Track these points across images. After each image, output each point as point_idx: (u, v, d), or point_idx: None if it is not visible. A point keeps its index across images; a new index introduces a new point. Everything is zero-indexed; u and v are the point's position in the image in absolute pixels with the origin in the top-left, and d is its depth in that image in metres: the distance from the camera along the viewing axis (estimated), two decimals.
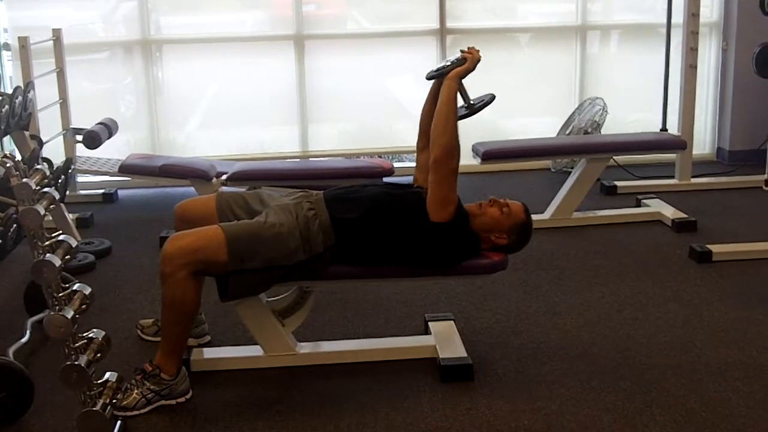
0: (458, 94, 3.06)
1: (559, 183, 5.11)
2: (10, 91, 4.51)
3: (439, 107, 2.97)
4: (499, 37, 6.33)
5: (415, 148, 6.42)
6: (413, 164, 6.38)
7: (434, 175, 2.91)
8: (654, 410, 2.80)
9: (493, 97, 3.17)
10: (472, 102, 3.16)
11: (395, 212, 2.96)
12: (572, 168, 5.32)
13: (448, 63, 3.08)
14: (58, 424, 2.77)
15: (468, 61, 3.04)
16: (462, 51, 3.10)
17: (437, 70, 3.12)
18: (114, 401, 2.64)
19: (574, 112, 6.10)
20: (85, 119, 5.44)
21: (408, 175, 5.70)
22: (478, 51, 3.08)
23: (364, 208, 2.96)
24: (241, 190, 3.22)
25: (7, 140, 5.15)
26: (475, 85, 6.08)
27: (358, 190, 3.07)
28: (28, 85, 4.69)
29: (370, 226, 2.93)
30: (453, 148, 2.91)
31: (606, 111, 5.95)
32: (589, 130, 5.86)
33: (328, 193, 3.05)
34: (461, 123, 6.18)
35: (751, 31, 6.00)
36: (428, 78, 3.15)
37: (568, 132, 5.98)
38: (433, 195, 2.92)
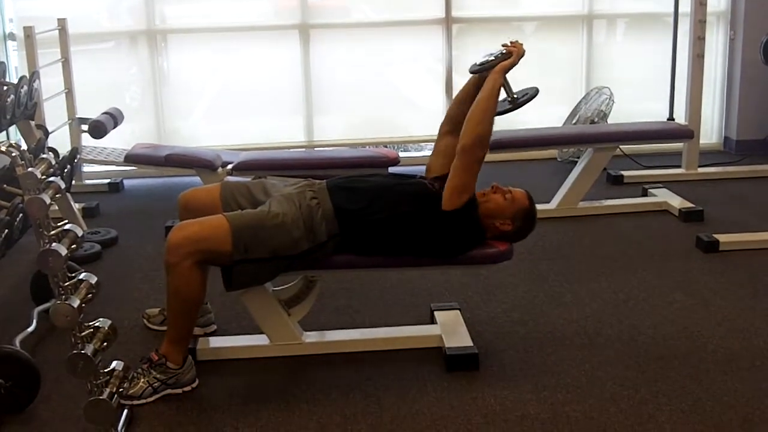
0: (501, 88, 3.04)
1: (565, 173, 5.10)
2: (15, 80, 4.50)
3: (480, 98, 2.95)
4: (504, 25, 6.32)
5: (420, 138, 6.44)
6: (418, 154, 6.47)
7: (459, 161, 2.91)
8: (660, 400, 2.80)
9: (537, 91, 3.15)
10: (515, 96, 3.14)
11: (398, 201, 2.95)
12: (579, 158, 5.31)
13: (492, 57, 3.06)
14: (65, 412, 2.77)
15: (513, 55, 3.03)
16: (504, 45, 3.08)
17: (481, 64, 3.10)
18: (120, 390, 2.64)
19: (580, 102, 6.08)
20: (90, 109, 5.43)
21: (413, 164, 5.73)
22: (522, 45, 3.06)
23: (367, 197, 2.95)
24: (247, 179, 3.22)
25: (12, 130, 5.14)
26: None
27: (361, 180, 3.07)
28: (34, 74, 4.68)
29: (372, 215, 2.92)
30: (485, 139, 2.91)
31: (612, 100, 5.93)
32: (596, 119, 5.85)
33: (331, 182, 3.04)
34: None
35: (758, 21, 5.98)
36: (472, 72, 3.13)
37: (574, 121, 5.97)
38: (452, 181, 2.92)
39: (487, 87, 2.97)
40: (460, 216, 2.92)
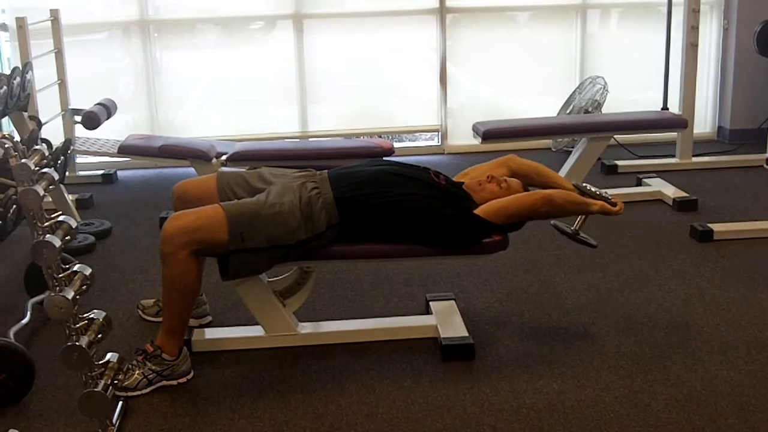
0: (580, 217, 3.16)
1: (559, 162, 5.09)
2: (8, 72, 4.48)
3: (577, 199, 3.06)
4: (498, 15, 6.31)
5: (414, 128, 6.42)
6: (413, 144, 6.45)
7: (533, 197, 2.98)
8: (656, 389, 2.80)
9: (594, 247, 3.26)
10: (579, 232, 3.20)
11: (403, 189, 2.95)
12: (573, 147, 5.30)
13: (599, 192, 3.13)
14: (60, 405, 2.77)
15: (616, 208, 3.08)
16: (612, 197, 3.14)
17: (585, 187, 3.17)
18: (115, 382, 2.63)
19: (574, 92, 6.08)
20: (83, 100, 5.42)
21: (408, 155, 5.72)
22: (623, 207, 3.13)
23: (367, 184, 2.95)
24: (241, 170, 3.21)
25: (5, 121, 5.12)
26: (474, 62, 6.02)
27: (363, 168, 3.06)
28: (27, 65, 4.66)
29: (371, 199, 2.92)
30: (550, 212, 3.00)
31: (606, 90, 5.93)
32: (590, 109, 5.84)
33: (333, 172, 3.04)
34: (461, 105, 6.17)
35: (752, 10, 5.98)
36: (575, 186, 3.19)
37: (568, 111, 5.96)
38: (510, 202, 2.98)
39: (583, 203, 3.06)
40: (479, 224, 2.95)
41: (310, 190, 2.91)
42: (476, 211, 2.96)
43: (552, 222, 3.19)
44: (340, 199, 2.91)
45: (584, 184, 3.20)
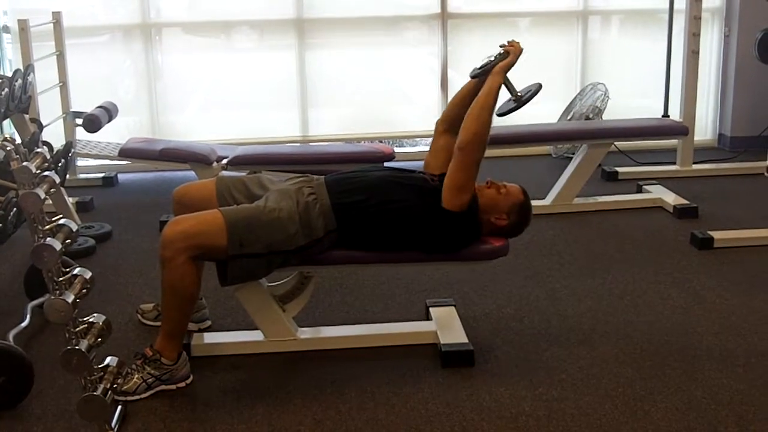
0: (504, 88, 3.05)
1: (560, 169, 5.10)
2: (9, 74, 4.49)
3: (479, 97, 2.95)
4: (500, 21, 6.32)
5: (415, 133, 6.43)
6: (413, 149, 6.46)
7: (455, 159, 2.90)
8: (655, 397, 2.80)
9: (540, 86, 3.12)
10: (519, 94, 3.13)
11: (396, 193, 2.95)
12: (573, 154, 5.30)
13: (491, 59, 3.06)
14: (59, 408, 2.76)
15: (511, 54, 3.03)
16: (502, 45, 3.08)
17: (481, 68, 3.10)
18: (114, 386, 2.63)
19: (575, 98, 6.08)
20: (85, 103, 5.42)
21: (409, 160, 5.72)
22: (519, 43, 3.07)
23: (364, 190, 2.95)
24: (242, 174, 3.21)
25: (6, 123, 5.12)
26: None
27: (359, 174, 3.06)
28: (28, 68, 4.66)
29: (369, 207, 2.91)
30: (480, 138, 2.89)
31: (607, 96, 5.93)
32: (591, 115, 5.85)
33: (329, 178, 3.03)
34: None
35: (753, 17, 5.99)
36: (473, 77, 3.13)
37: (569, 118, 5.96)
38: (449, 180, 2.91)
39: (486, 86, 2.97)
40: (462, 218, 2.92)
41: (307, 195, 2.91)
42: (444, 206, 2.91)
43: (497, 113, 3.09)
44: (337, 206, 2.91)
45: (477, 69, 3.11)
